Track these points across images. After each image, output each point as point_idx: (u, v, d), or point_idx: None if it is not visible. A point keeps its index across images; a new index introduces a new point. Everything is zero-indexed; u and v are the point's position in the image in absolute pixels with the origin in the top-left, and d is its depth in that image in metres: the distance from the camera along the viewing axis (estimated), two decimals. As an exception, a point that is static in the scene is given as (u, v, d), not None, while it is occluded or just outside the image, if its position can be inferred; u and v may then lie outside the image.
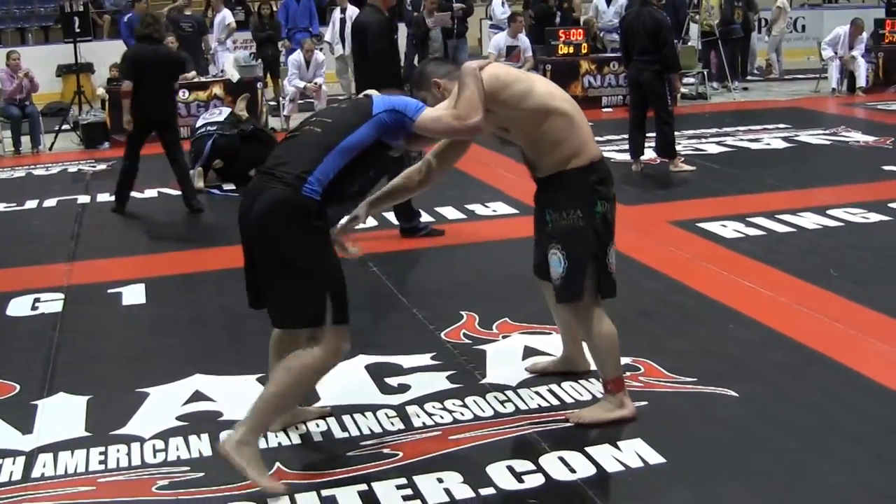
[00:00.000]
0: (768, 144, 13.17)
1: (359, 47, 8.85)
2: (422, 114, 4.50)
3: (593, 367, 5.40)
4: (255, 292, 4.58)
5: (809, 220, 8.86)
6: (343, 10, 17.71)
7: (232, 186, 11.25)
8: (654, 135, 11.45)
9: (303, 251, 4.33)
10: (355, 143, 4.40)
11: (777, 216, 9.00)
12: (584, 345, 5.29)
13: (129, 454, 4.79)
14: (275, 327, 4.68)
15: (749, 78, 20.15)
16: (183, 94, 14.67)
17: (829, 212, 9.11)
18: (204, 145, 11.28)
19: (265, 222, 4.31)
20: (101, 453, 4.81)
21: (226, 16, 18.10)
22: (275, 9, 18.33)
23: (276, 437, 4.91)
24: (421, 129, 4.53)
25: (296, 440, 4.90)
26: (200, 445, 4.85)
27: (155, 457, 4.76)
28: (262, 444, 4.80)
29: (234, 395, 5.42)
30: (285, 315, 4.48)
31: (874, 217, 8.95)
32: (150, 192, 11.02)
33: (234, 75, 15.58)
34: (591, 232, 4.87)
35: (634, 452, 4.63)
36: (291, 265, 4.32)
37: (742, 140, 13.46)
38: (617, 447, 4.68)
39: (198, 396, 5.45)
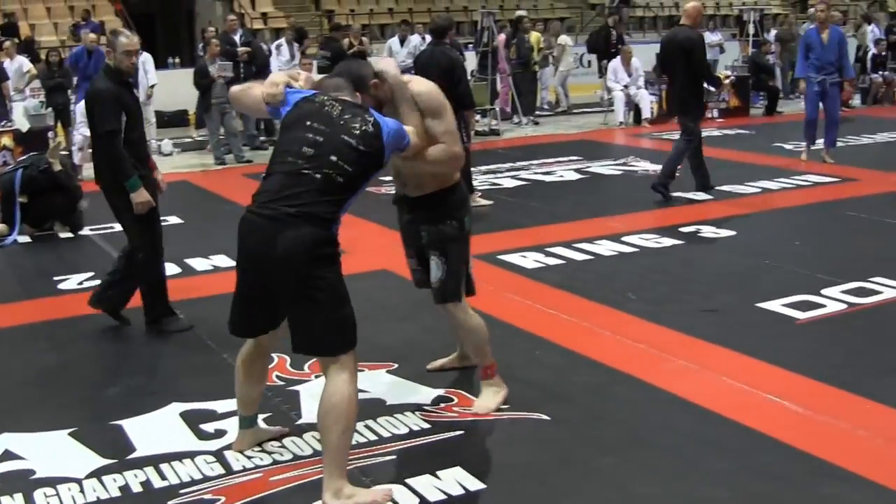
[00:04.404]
0: (561, 176, 13.55)
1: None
2: (411, 142, 4.91)
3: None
4: (250, 324, 4.89)
5: (606, 248, 9.18)
6: (138, 55, 17.38)
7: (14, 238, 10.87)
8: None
9: (337, 282, 4.52)
10: (364, 186, 4.66)
11: (574, 245, 9.29)
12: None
13: (-60, 519, 4.65)
14: (310, 354, 4.83)
15: (538, 113, 20.64)
16: (-32, 144, 14.33)
17: (623, 238, 9.46)
18: (11, 183, 10.93)
19: (303, 260, 4.40)
20: None
21: (23, 63, 17.62)
22: (63, 56, 17.90)
23: (94, 490, 4.83)
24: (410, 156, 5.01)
25: (115, 493, 4.80)
26: (14, 505, 4.74)
27: (-32, 519, 4.63)
28: (81, 500, 4.74)
29: (46, 451, 5.30)
30: (333, 342, 4.52)
31: (667, 241, 9.34)
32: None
33: (24, 125, 15.19)
34: (463, 240, 5.46)
35: (455, 481, 4.73)
36: (331, 297, 4.47)
37: (536, 173, 13.80)
38: (437, 477, 4.77)
39: (7, 455, 5.27)
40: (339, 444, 4.48)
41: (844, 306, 7.23)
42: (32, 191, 10.97)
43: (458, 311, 5.55)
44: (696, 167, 11.87)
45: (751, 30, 22.04)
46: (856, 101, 21.26)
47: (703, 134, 16.83)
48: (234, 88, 5.12)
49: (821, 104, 13.71)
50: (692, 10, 12.00)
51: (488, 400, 5.61)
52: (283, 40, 19.14)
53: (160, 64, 20.23)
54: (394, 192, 5.73)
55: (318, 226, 4.43)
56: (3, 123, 15.72)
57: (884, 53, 21.76)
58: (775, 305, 7.24)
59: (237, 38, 17.48)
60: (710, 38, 24.42)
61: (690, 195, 11.56)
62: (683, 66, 11.52)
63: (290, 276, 4.43)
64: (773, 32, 23.63)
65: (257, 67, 17.18)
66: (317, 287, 4.43)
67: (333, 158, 4.51)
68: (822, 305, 7.25)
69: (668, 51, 11.97)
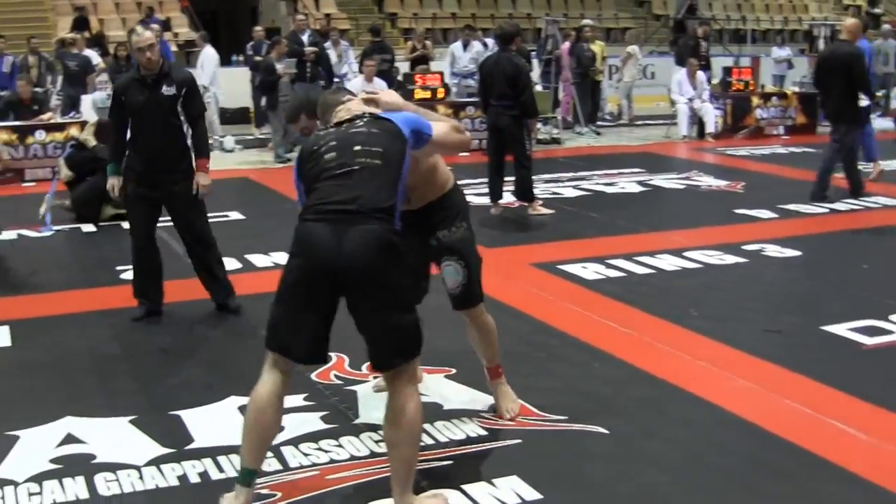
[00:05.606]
0: (623, 188, 13.50)
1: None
2: (434, 129, 4.74)
3: None
4: (312, 342, 4.49)
5: (667, 262, 9.12)
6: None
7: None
8: (512, 179, 11.63)
9: (408, 282, 4.49)
10: (406, 170, 4.50)
11: (636, 258, 9.23)
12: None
13: (2, 498, 4.70)
14: (389, 366, 4.40)
15: (600, 123, 20.57)
16: (39, 136, 14.51)
17: (685, 253, 9.38)
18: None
19: (377, 259, 4.23)
20: (-27, 498, 4.71)
21: (92, 56, 17.91)
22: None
23: (153, 478, 4.89)
24: (436, 141, 4.78)
25: (173, 482, 4.87)
26: (76, 488, 4.78)
27: (30, 500, 4.68)
28: (140, 486, 4.80)
29: (107, 437, 5.38)
30: (405, 347, 4.38)
31: (729, 259, 9.25)
32: (9, 234, 10.72)
33: (92, 116, 15.38)
34: (474, 240, 5.40)
35: (511, 490, 4.72)
36: (404, 297, 4.40)
37: (598, 184, 13.75)
38: (493, 485, 4.76)
39: (70, 439, 5.36)
40: (410, 458, 4.39)
41: (915, 334, 7.09)
42: (76, 168, 11.24)
43: (479, 313, 5.51)
44: (848, 172, 12.40)
45: (821, 45, 21.75)
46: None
47: (768, 151, 16.97)
48: None
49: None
50: (852, 26, 12.66)
51: (512, 401, 5.64)
52: (328, 42, 19.20)
53: (222, 61, 20.42)
54: None
55: (380, 219, 4.26)
56: (71, 115, 15.98)
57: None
58: (841, 329, 7.11)
59: (305, 38, 17.55)
60: (778, 53, 24.28)
61: (753, 213, 11.48)
62: (844, 80, 11.95)
63: (362, 277, 4.22)
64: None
65: (324, 70, 17.30)
66: (390, 287, 4.27)
67: (357, 148, 4.43)
68: (890, 332, 7.09)
69: (828, 65, 12.39)
